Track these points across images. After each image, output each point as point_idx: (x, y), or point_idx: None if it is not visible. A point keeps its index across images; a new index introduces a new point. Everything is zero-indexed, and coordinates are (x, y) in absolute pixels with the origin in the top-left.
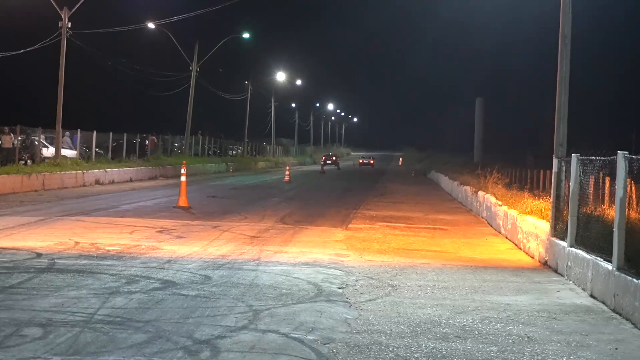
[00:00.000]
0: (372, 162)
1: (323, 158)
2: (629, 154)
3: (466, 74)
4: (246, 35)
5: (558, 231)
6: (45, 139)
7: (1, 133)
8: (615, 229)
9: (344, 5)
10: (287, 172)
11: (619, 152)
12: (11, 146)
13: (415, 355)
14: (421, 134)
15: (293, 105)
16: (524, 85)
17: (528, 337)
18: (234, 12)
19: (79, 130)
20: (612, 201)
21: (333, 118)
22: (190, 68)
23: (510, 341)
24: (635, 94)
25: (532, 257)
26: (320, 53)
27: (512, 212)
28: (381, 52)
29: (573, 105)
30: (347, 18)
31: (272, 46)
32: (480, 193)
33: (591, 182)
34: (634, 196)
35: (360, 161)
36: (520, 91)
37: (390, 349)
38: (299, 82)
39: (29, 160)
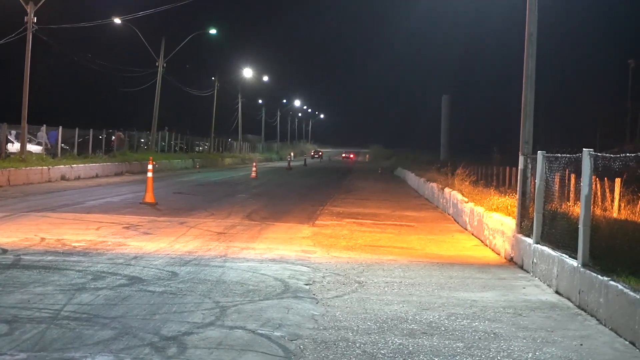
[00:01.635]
0: (352, 156)
1: (312, 153)
2: (594, 151)
3: (434, 72)
4: (213, 32)
5: (524, 228)
6: (16, 136)
7: None
8: (580, 226)
9: (313, 1)
10: (253, 169)
11: (584, 149)
12: None
13: (382, 352)
14: (388, 131)
15: (260, 101)
16: (491, 83)
17: (494, 334)
18: (202, 9)
19: (60, 127)
20: (577, 198)
21: (300, 115)
22: (157, 64)
23: (477, 337)
24: (600, 93)
25: (498, 254)
26: (288, 50)
27: (479, 209)
28: (350, 49)
29: (540, 104)
30: (315, 14)
31: (240, 43)
32: (447, 190)
33: (557, 180)
34: (599, 193)
35: (343, 156)
36: (487, 89)
37: (357, 345)
38: (265, 78)
39: None
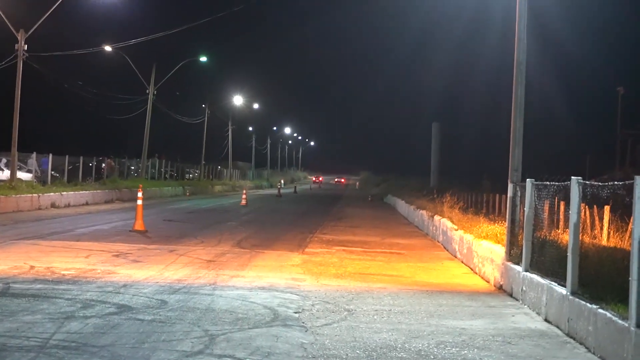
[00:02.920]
0: (343, 180)
1: (314, 178)
2: (583, 179)
3: (423, 99)
4: (203, 59)
5: (513, 256)
6: (6, 163)
7: None
8: (569, 254)
9: (303, 30)
10: (243, 196)
11: (572, 177)
12: None
13: None
14: (378, 157)
15: (250, 128)
16: (481, 111)
17: None
18: (193, 37)
19: (50, 154)
20: (566, 226)
21: (290, 142)
22: (147, 91)
23: None
24: (590, 120)
25: (488, 282)
26: (279, 78)
27: (468, 237)
28: (340, 77)
29: (530, 131)
30: (306, 42)
31: (231, 71)
32: (437, 217)
33: (546, 207)
34: (587, 221)
35: (335, 180)
36: (477, 116)
37: None
38: (256, 105)
39: None
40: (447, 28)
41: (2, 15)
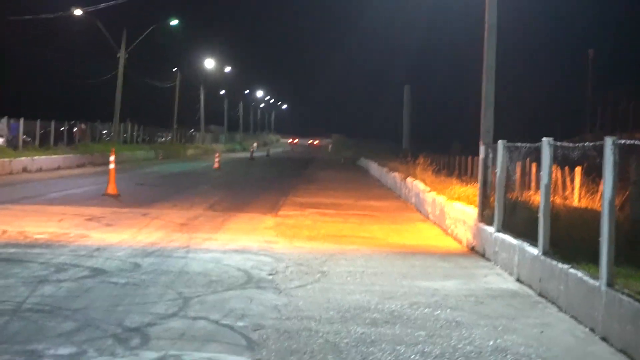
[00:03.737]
0: (317, 142)
1: (290, 140)
2: (554, 140)
3: (395, 62)
4: (174, 22)
5: (485, 217)
6: None
7: None
8: (540, 215)
9: None
10: (216, 159)
11: (544, 138)
12: None
13: (345, 341)
14: (351, 120)
15: (222, 92)
16: (452, 73)
17: (456, 322)
18: (165, 2)
19: (22, 119)
20: (538, 187)
21: (263, 105)
22: (118, 55)
23: (438, 326)
24: (562, 84)
25: (460, 243)
26: (250, 41)
27: (440, 198)
28: (311, 40)
29: (502, 95)
30: (276, 4)
31: (203, 34)
32: (409, 179)
33: (518, 169)
34: (559, 182)
35: (309, 143)
36: (449, 79)
37: (320, 334)
38: (228, 69)
39: None
40: None
41: None
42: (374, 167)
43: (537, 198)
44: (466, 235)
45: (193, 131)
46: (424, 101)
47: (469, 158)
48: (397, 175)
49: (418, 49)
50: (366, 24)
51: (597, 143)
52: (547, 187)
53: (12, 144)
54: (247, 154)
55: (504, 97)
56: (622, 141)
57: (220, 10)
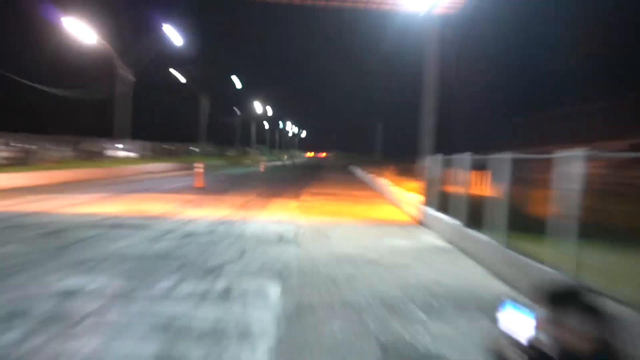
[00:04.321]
0: (323, 155)
1: (319, 154)
2: (473, 154)
3: (373, 101)
4: (239, 86)
5: (427, 201)
6: (108, 146)
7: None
8: (461, 201)
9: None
10: (262, 166)
11: (466, 153)
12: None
13: (339, 276)
14: (346, 139)
15: (265, 124)
16: (413, 109)
17: (404, 263)
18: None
19: (147, 141)
20: (459, 181)
21: (290, 131)
22: (201, 103)
23: (395, 266)
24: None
25: (411, 217)
26: (278, 86)
27: (398, 190)
28: (318, 83)
29: (462, 114)
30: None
31: (252, 83)
32: (380, 178)
33: (449, 172)
34: (473, 180)
35: (320, 155)
36: (410, 112)
37: (323, 270)
38: (269, 110)
39: (101, 157)
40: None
41: None
42: (359, 171)
43: (460, 190)
44: (415, 213)
45: (247, 147)
46: (394, 127)
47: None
48: (372, 175)
49: (390, 91)
50: (348, 81)
51: (492, 156)
52: (466, 183)
53: (139, 156)
54: (281, 163)
55: (463, 114)
56: (513, 156)
57: (264, 63)
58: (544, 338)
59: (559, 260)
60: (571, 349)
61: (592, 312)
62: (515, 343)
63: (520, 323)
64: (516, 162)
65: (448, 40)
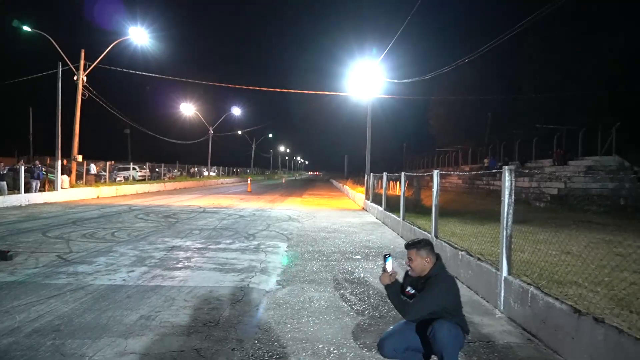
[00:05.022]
0: (317, 173)
1: (311, 173)
2: (389, 173)
3: (343, 146)
4: (270, 135)
5: (367, 197)
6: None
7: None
8: (383, 196)
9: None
10: (283, 180)
11: (384, 173)
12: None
13: (318, 238)
14: (332, 162)
15: (287, 149)
16: (362, 149)
17: (354, 231)
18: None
19: (221, 166)
20: (382, 187)
21: (298, 158)
22: (253, 146)
23: (349, 232)
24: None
25: (360, 207)
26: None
27: (353, 191)
28: (309, 122)
29: (377, 151)
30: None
31: (278, 128)
32: (344, 185)
33: (378, 181)
34: (391, 185)
35: (313, 173)
36: (361, 150)
37: (310, 235)
38: (287, 150)
39: (198, 175)
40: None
41: None
42: (335, 182)
43: (382, 191)
44: (361, 204)
45: (276, 170)
46: (355, 155)
47: (366, 178)
48: (341, 184)
49: (352, 140)
50: (330, 136)
51: (396, 174)
52: (385, 187)
53: (218, 174)
54: (294, 178)
55: (384, 151)
56: (409, 173)
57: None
58: (399, 272)
59: (427, 227)
60: (415, 273)
61: (430, 248)
62: (388, 274)
63: (391, 265)
64: (407, 176)
65: (375, 113)
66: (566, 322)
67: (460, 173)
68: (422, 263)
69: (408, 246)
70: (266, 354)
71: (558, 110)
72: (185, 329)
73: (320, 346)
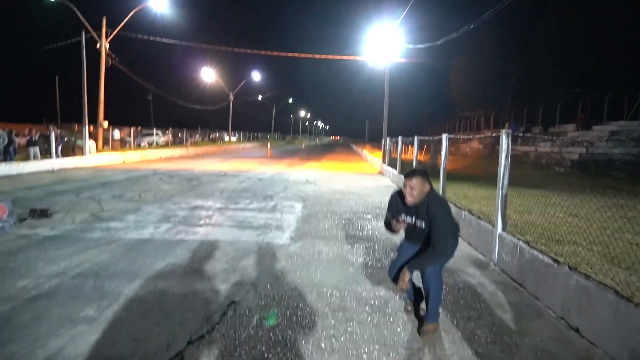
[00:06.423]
0: (337, 138)
1: (332, 137)
2: (402, 137)
3: (364, 112)
4: (290, 100)
5: (384, 161)
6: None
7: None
8: (398, 159)
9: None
10: (303, 145)
11: (399, 136)
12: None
13: (333, 199)
14: (351, 127)
15: (307, 114)
16: (380, 114)
17: (369, 193)
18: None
19: (242, 131)
20: (399, 151)
21: (320, 125)
22: (274, 111)
23: (364, 194)
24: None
25: (377, 170)
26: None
27: (371, 156)
28: (336, 88)
29: (395, 120)
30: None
31: (298, 95)
32: (363, 150)
33: (394, 146)
34: (409, 150)
35: (333, 137)
36: (379, 116)
37: (326, 197)
38: (308, 114)
39: (219, 141)
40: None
41: None
42: (354, 147)
43: (397, 155)
44: (379, 168)
45: (297, 135)
46: (374, 121)
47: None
48: (360, 148)
49: (373, 105)
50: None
51: (410, 138)
52: (400, 151)
53: (239, 139)
54: (314, 143)
55: (401, 116)
56: (422, 137)
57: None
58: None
59: (437, 189)
60: (414, 201)
61: (427, 176)
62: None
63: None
64: (420, 140)
65: (393, 78)
66: (546, 271)
67: (474, 137)
68: (422, 191)
69: (408, 175)
70: (277, 295)
71: (582, 77)
72: (206, 274)
73: (325, 289)
